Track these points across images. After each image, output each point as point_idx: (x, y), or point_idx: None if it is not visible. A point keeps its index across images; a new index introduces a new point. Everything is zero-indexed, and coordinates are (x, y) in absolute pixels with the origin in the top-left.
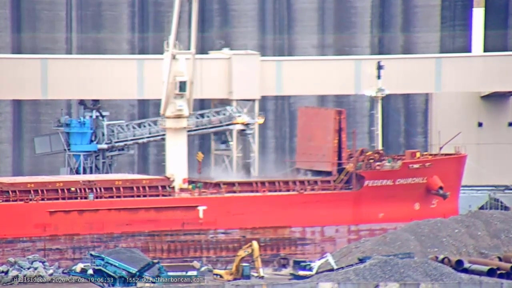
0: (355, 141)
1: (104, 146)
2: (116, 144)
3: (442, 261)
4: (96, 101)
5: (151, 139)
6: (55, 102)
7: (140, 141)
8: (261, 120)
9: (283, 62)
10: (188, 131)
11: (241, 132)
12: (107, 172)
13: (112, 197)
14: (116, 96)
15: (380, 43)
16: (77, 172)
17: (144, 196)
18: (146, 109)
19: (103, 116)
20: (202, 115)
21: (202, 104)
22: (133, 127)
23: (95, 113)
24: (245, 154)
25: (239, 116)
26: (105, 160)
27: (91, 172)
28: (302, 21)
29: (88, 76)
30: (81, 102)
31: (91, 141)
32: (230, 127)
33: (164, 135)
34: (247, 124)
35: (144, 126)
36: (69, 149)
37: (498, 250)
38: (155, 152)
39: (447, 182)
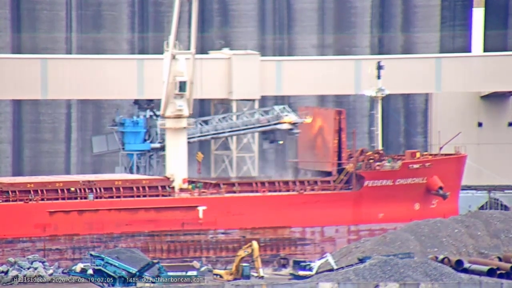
0: (355, 141)
1: (157, 145)
2: None
3: (442, 261)
4: (150, 101)
5: (202, 138)
6: (55, 102)
7: (191, 140)
8: (309, 119)
9: (283, 62)
10: (236, 130)
11: (288, 132)
12: (160, 172)
13: (112, 197)
14: (116, 96)
15: (380, 43)
16: (131, 171)
17: (144, 196)
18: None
19: (157, 116)
20: (250, 115)
21: (202, 104)
22: None
23: (148, 113)
24: (293, 153)
25: (286, 115)
26: (159, 159)
27: (144, 172)
28: (302, 21)
29: (88, 76)
30: (136, 102)
31: (145, 140)
32: (278, 126)
33: (214, 134)
34: (294, 123)
35: (201, 125)
36: (123, 149)
37: (498, 250)
38: None
39: (447, 182)
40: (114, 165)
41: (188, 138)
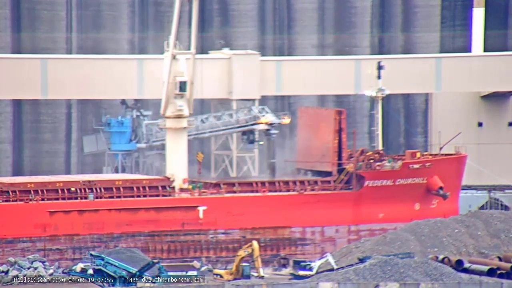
0: (355, 141)
1: (143, 145)
2: (154, 144)
3: (442, 261)
4: (137, 101)
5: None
6: (55, 102)
7: None
8: (287, 120)
9: (283, 62)
10: (216, 131)
11: (266, 132)
12: (147, 172)
13: (112, 197)
14: (116, 96)
15: (380, 43)
16: (117, 171)
17: (144, 196)
18: (146, 109)
19: (144, 116)
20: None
21: (202, 104)
22: None
23: (135, 113)
24: (270, 154)
25: (264, 116)
26: (145, 159)
27: (131, 172)
28: (302, 21)
29: (88, 76)
30: (123, 102)
31: (131, 140)
32: (255, 126)
33: (196, 134)
34: (271, 124)
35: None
36: (109, 149)
37: (498, 250)
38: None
39: (447, 182)
40: (102, 165)
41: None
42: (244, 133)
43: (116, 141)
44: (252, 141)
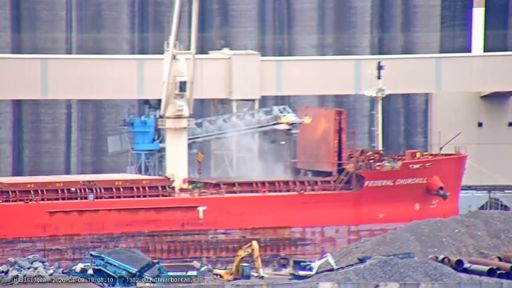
0: (355, 141)
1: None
2: None
3: (442, 261)
4: (160, 100)
5: (207, 138)
6: (55, 102)
7: (197, 140)
8: (308, 120)
9: (283, 62)
10: (238, 131)
11: (287, 132)
12: None
13: (112, 197)
14: (116, 96)
15: (380, 43)
16: (139, 171)
17: (144, 196)
18: (146, 109)
19: None
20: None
21: (202, 104)
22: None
23: (158, 112)
24: (291, 154)
25: (285, 116)
26: None
27: (154, 171)
28: (302, 21)
29: (88, 76)
30: (146, 102)
31: (154, 140)
32: (276, 126)
33: (218, 134)
34: (292, 124)
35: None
36: (132, 148)
37: (498, 250)
38: None
39: (447, 182)
40: (124, 165)
41: (194, 138)
42: (265, 133)
43: (139, 140)
44: (274, 141)
